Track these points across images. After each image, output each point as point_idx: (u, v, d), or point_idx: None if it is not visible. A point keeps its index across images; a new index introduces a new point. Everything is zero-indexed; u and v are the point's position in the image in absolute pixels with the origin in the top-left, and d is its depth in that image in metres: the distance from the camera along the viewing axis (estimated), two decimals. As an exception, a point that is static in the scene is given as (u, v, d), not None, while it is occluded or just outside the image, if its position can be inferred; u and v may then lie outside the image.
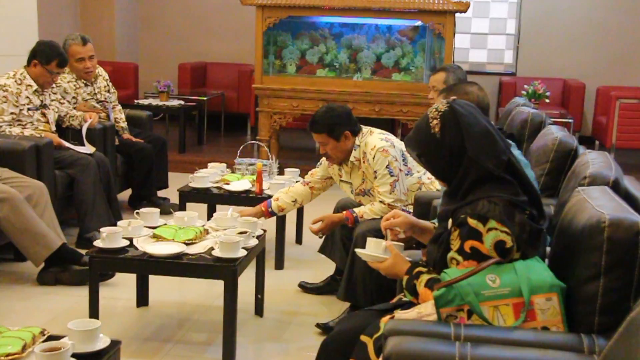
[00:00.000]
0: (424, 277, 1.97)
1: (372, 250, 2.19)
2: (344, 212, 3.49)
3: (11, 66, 4.52)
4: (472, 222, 1.88)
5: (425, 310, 1.86)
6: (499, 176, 1.93)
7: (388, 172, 3.37)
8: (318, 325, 3.36)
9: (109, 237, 3.01)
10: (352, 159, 3.48)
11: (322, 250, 3.82)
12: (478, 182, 1.93)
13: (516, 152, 2.70)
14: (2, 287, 3.72)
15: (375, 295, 3.12)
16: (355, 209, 3.46)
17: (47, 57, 4.38)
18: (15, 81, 4.37)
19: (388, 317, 1.99)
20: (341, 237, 3.63)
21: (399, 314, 1.94)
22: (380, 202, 3.39)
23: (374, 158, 3.39)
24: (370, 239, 2.23)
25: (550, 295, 1.82)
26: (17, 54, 4.51)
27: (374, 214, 3.38)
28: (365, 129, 3.52)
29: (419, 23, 6.31)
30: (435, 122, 2.00)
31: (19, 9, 6.14)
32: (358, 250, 2.25)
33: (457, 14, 6.15)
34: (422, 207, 3.09)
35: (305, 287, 3.87)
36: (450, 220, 1.95)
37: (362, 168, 3.47)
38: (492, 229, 1.86)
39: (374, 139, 3.44)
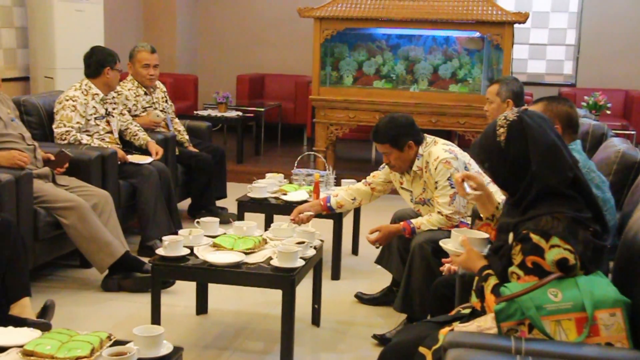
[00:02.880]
0: (492, 281, 1.97)
1: (452, 244, 2.23)
2: (402, 223, 3.49)
3: (80, 79, 4.67)
4: (534, 237, 1.86)
5: (486, 323, 1.86)
6: (563, 192, 1.91)
7: (449, 183, 3.36)
8: (375, 337, 3.37)
9: (170, 246, 3.08)
10: (414, 168, 3.47)
11: (379, 261, 3.82)
12: (541, 196, 1.91)
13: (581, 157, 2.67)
14: (68, 293, 3.83)
15: (432, 307, 3.11)
16: (413, 220, 3.46)
17: (113, 59, 4.58)
18: (82, 92, 4.52)
19: (447, 329, 1.99)
20: (398, 248, 3.63)
21: (459, 326, 1.94)
22: (439, 213, 3.38)
23: (436, 169, 3.39)
24: (453, 232, 2.26)
25: (614, 310, 1.79)
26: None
27: (432, 225, 3.38)
28: (429, 138, 3.51)
29: (477, 34, 6.28)
30: (501, 130, 1.99)
31: (87, 25, 6.37)
32: (442, 242, 2.28)
33: (515, 25, 6.09)
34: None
35: (362, 298, 3.87)
36: (511, 234, 1.94)
37: (423, 177, 3.47)
38: (555, 245, 1.84)
39: (438, 149, 3.43)
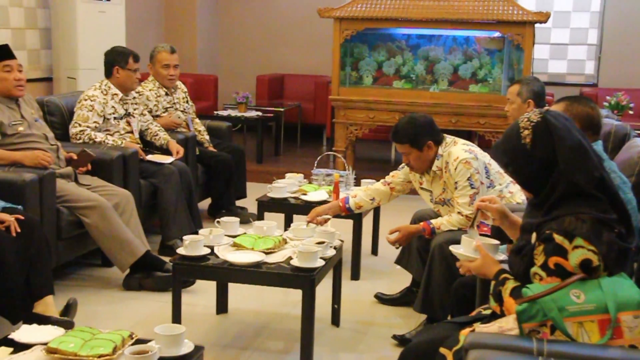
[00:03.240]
0: (510, 285, 1.96)
1: (465, 249, 2.21)
2: (421, 223, 3.48)
3: (101, 79, 4.72)
4: (558, 238, 1.85)
5: (507, 324, 1.85)
6: (589, 192, 1.90)
7: (469, 184, 3.35)
8: (394, 337, 3.36)
9: (191, 245, 3.10)
10: (434, 168, 3.46)
11: (399, 261, 3.82)
12: (566, 196, 1.90)
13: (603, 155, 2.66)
14: (90, 291, 3.87)
15: (452, 307, 3.10)
16: (433, 220, 3.45)
17: (124, 58, 4.60)
18: (102, 92, 4.56)
19: (468, 330, 1.98)
20: (418, 249, 3.63)
21: (480, 327, 1.94)
22: (459, 213, 3.37)
23: (455, 169, 3.38)
24: (464, 238, 2.26)
25: (638, 312, 1.77)
26: (109, 66, 4.71)
27: (452, 225, 3.37)
28: (449, 138, 3.50)
29: (497, 34, 6.25)
30: (526, 132, 1.97)
31: (109, 26, 6.43)
32: (452, 248, 2.27)
33: (536, 25, 6.05)
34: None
35: (382, 298, 3.87)
36: (534, 234, 1.93)
37: (443, 178, 3.46)
38: (579, 246, 1.83)
39: (458, 149, 3.42)
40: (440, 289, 3.22)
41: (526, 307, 1.80)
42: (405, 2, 6.30)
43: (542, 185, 1.96)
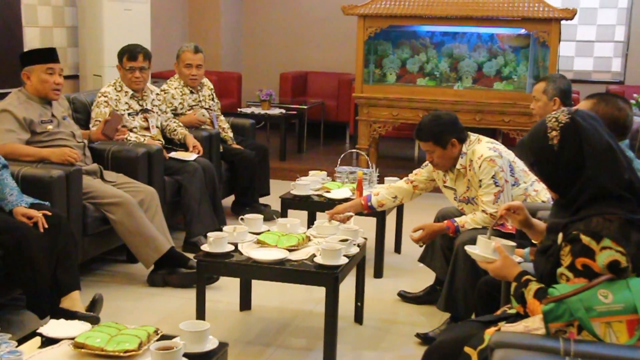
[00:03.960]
0: (533, 286, 1.94)
1: (482, 251, 2.18)
2: (445, 222, 3.46)
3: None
4: (585, 239, 1.83)
5: (533, 324, 1.84)
6: (618, 193, 1.87)
7: (493, 182, 3.32)
8: (418, 335, 3.36)
9: (215, 242, 3.11)
10: (458, 166, 3.44)
11: (422, 259, 3.81)
12: (594, 198, 1.88)
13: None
14: (115, 287, 3.91)
15: (476, 306, 3.08)
16: (457, 219, 3.43)
17: (120, 57, 4.65)
18: (115, 88, 4.62)
19: (493, 329, 1.97)
20: (442, 247, 3.61)
21: (506, 326, 1.92)
22: (483, 211, 3.35)
23: (480, 167, 3.35)
24: (480, 238, 2.23)
25: (667, 313, 1.75)
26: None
27: (476, 223, 3.35)
28: (473, 136, 3.48)
29: (522, 31, 6.20)
30: (554, 133, 1.95)
31: (134, 24, 6.48)
32: (468, 248, 2.26)
33: (562, 22, 5.99)
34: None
35: (405, 297, 3.86)
36: (560, 235, 1.91)
37: (467, 176, 3.44)
38: (606, 247, 1.81)
39: (482, 147, 3.40)
40: (464, 288, 3.20)
41: (553, 307, 1.79)
42: (429, -1, 6.28)
43: (568, 187, 1.94)
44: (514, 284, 2.01)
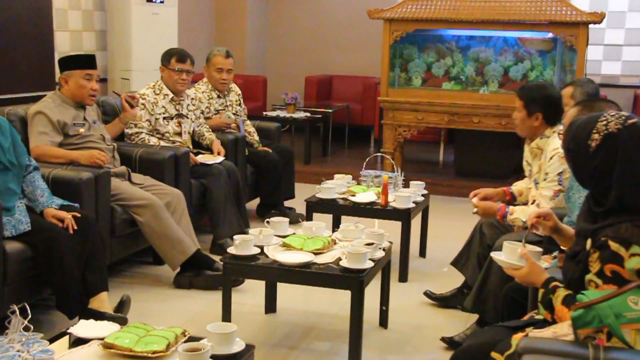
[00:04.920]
0: (561, 293, 1.93)
1: (508, 257, 2.17)
2: (500, 204, 3.42)
3: (155, 79, 4.82)
4: (613, 245, 1.81)
5: (562, 330, 1.82)
6: None
7: (557, 179, 3.28)
8: (443, 339, 3.34)
9: (241, 245, 3.13)
10: (533, 145, 3.44)
11: (455, 263, 3.78)
12: (621, 208, 1.87)
13: None
14: (142, 289, 3.94)
15: (503, 311, 3.06)
16: (511, 206, 3.39)
17: (167, 57, 4.69)
18: (154, 91, 4.66)
19: (520, 334, 1.96)
20: (478, 255, 3.58)
21: (534, 332, 1.91)
22: (537, 205, 3.30)
23: (550, 159, 3.31)
24: (506, 244, 2.22)
25: (699, 320, 1.73)
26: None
27: (524, 215, 3.27)
28: (561, 127, 3.38)
29: (550, 35, 6.15)
30: (596, 136, 1.92)
31: (162, 27, 6.55)
32: (494, 255, 2.24)
33: (590, 25, 5.94)
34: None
35: (431, 296, 3.85)
36: (589, 241, 1.90)
37: (540, 160, 3.41)
38: (636, 254, 1.79)
39: (558, 141, 3.27)
40: (495, 291, 3.17)
41: (582, 313, 1.78)
42: (455, 3, 6.26)
43: (596, 189, 1.92)
44: (541, 291, 2.00)
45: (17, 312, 2.12)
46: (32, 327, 2.12)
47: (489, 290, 3.22)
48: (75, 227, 3.25)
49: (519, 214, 3.32)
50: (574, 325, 1.78)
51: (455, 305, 3.75)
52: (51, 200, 3.33)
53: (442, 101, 6.39)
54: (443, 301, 3.82)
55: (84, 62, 3.93)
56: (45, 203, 3.29)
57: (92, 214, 3.54)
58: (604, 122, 1.94)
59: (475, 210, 3.50)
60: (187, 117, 4.81)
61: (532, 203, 3.39)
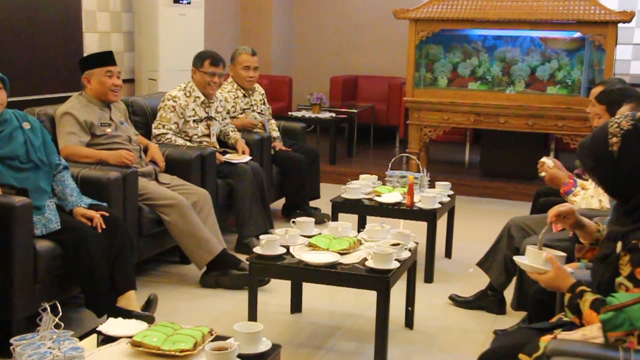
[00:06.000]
0: (589, 297, 1.91)
1: (532, 261, 2.15)
2: (569, 177, 3.34)
3: (181, 80, 4.85)
4: None
5: (591, 332, 1.81)
6: None
7: None
8: (496, 332, 3.35)
9: (267, 245, 3.14)
10: None
11: (481, 264, 3.76)
12: None
13: None
14: (168, 288, 3.98)
15: (530, 313, 3.03)
16: (580, 182, 3.32)
17: (200, 60, 4.70)
18: (185, 93, 4.68)
19: (549, 336, 1.95)
20: (505, 256, 3.56)
21: (562, 334, 1.90)
22: (599, 200, 3.22)
23: None
24: (529, 248, 2.19)
25: None
26: (187, 68, 4.85)
27: (586, 204, 3.21)
28: None
29: (577, 34, 6.09)
30: (614, 140, 1.91)
31: (188, 28, 6.60)
32: (517, 259, 2.21)
33: (619, 24, 5.87)
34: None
35: (456, 300, 3.84)
36: (619, 243, 1.87)
37: None
38: None
39: None
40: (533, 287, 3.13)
41: (611, 315, 1.76)
42: (482, 2, 6.23)
43: (628, 195, 1.90)
44: (568, 295, 1.97)
45: (49, 310, 2.15)
46: (62, 324, 2.15)
47: (528, 288, 3.17)
48: (104, 226, 3.29)
49: (579, 202, 3.24)
50: (604, 327, 1.77)
51: (481, 307, 3.73)
52: (80, 199, 3.37)
53: (467, 101, 6.36)
54: (468, 305, 3.79)
55: (103, 59, 3.96)
56: (75, 202, 3.34)
57: (120, 213, 3.58)
58: (615, 125, 1.93)
59: (543, 174, 3.42)
60: (216, 120, 4.84)
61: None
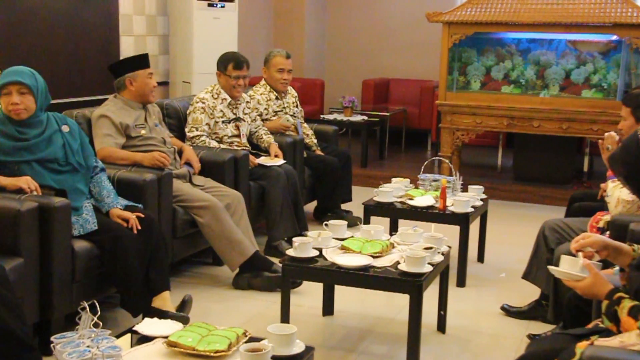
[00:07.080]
0: (627, 304, 1.89)
1: (567, 269, 2.12)
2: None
3: (214, 83, 4.90)
4: None
5: (629, 339, 1.79)
6: None
7: None
8: (529, 336, 3.33)
9: (300, 247, 3.15)
10: None
11: (526, 276, 3.66)
12: None
13: None
14: (202, 289, 4.01)
15: (565, 319, 3.00)
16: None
17: (224, 64, 4.75)
18: (212, 95, 4.74)
19: (585, 342, 1.93)
20: (547, 260, 3.51)
21: (600, 341, 1.88)
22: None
23: None
24: (564, 257, 2.17)
25: None
26: (221, 71, 4.90)
27: (624, 206, 3.17)
28: None
29: (614, 37, 6.01)
30: None
31: (222, 31, 6.67)
32: (551, 268, 2.19)
33: (657, 27, 5.79)
34: (619, 231, 2.94)
35: (509, 311, 3.74)
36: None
37: None
38: None
39: None
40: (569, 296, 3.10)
41: (650, 322, 1.74)
42: (516, 5, 6.18)
43: None
44: (605, 302, 1.95)
45: (87, 309, 2.19)
46: (101, 323, 2.19)
47: (563, 298, 3.13)
48: (139, 227, 3.33)
49: (614, 203, 3.13)
50: (643, 335, 1.75)
51: (537, 317, 3.62)
52: (116, 200, 3.42)
53: (501, 105, 6.31)
54: (522, 315, 3.68)
55: (145, 61, 4.06)
56: (111, 203, 3.39)
57: (155, 214, 3.62)
58: None
59: (609, 147, 3.34)
60: (244, 120, 4.88)
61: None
